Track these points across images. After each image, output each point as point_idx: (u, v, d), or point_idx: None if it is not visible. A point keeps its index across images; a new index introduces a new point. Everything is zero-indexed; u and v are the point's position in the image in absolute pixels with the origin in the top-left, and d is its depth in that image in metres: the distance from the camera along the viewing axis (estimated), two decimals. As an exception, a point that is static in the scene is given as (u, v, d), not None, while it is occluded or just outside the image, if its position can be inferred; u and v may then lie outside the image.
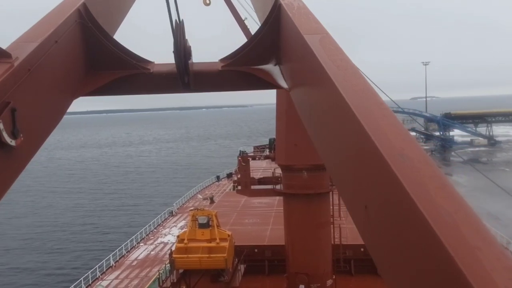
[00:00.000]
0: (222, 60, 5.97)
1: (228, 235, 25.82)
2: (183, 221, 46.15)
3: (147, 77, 5.70)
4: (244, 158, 29.81)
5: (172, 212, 51.70)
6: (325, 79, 3.74)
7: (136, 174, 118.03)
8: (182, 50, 5.29)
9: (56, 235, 63.84)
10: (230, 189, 57.90)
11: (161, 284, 26.24)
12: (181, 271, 25.61)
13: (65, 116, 5.09)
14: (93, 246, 57.68)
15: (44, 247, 58.53)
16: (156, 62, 5.97)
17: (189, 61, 5.48)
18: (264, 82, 5.78)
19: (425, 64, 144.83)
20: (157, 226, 46.79)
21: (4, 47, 4.00)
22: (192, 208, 35.34)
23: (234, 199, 43.11)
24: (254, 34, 5.87)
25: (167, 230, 45.25)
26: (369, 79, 5.45)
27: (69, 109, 5.15)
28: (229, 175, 70.89)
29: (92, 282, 32.96)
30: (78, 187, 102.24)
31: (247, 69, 5.82)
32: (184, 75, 5.45)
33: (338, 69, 3.77)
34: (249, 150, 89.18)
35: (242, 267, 28.39)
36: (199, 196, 59.15)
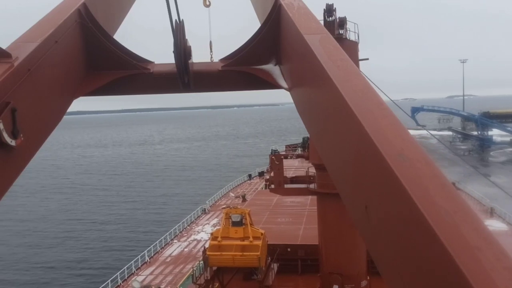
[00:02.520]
0: (222, 60, 5.97)
1: (262, 234, 25.81)
2: (216, 219, 46.60)
3: (147, 77, 5.71)
4: (277, 157, 29.73)
5: (204, 210, 52.28)
6: (325, 79, 3.72)
7: (168, 172, 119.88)
8: (182, 50, 5.27)
9: (92, 232, 65.68)
10: (262, 188, 58.03)
11: (195, 280, 26.52)
12: (214, 268, 25.83)
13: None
14: (128, 243, 59.03)
15: (80, 244, 60.30)
16: (156, 62, 5.96)
17: (189, 61, 5.46)
18: (264, 82, 5.76)
19: (463, 62, 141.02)
20: (190, 223, 47.45)
21: (4, 47, 4.01)
22: (225, 206, 35.57)
23: (266, 198, 43.17)
24: (254, 34, 5.80)
25: (200, 227, 45.80)
26: (368, 79, 5.33)
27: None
28: (261, 174, 71.07)
29: (127, 277, 33.80)
30: (111, 185, 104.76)
31: (247, 69, 5.81)
32: (184, 75, 5.44)
33: (338, 69, 3.76)
34: (281, 149, 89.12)
35: (275, 266, 28.34)
36: (231, 194, 59.52)
